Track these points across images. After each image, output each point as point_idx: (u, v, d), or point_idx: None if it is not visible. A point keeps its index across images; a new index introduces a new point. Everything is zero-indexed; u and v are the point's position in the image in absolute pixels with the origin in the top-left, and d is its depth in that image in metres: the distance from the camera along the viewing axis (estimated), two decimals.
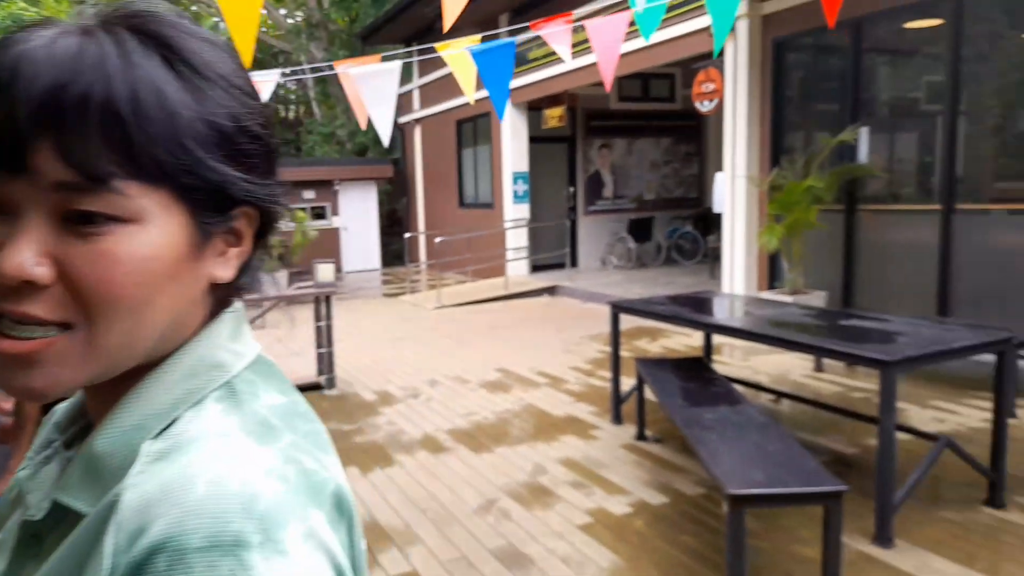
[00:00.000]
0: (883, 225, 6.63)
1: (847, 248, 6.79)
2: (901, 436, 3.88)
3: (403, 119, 16.51)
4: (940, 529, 3.17)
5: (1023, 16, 5.69)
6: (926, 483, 3.59)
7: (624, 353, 6.63)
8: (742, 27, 7.42)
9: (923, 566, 2.88)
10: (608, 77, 2.25)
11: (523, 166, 12.13)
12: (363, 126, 2.37)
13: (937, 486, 3.62)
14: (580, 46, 9.73)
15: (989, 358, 3.39)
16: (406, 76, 17.33)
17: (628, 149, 13.15)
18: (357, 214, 15.95)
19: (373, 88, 2.34)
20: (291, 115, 24.12)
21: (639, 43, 8.51)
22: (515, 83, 11.64)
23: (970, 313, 5.74)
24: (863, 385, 5.40)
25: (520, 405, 5.32)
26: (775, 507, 3.22)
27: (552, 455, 4.27)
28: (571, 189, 12.92)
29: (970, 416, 4.64)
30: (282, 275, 11.51)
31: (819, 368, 5.89)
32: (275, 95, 23.92)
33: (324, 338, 6.00)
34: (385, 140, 2.39)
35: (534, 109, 11.90)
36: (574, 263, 12.82)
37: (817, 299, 6.58)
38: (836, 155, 6.78)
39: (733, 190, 7.66)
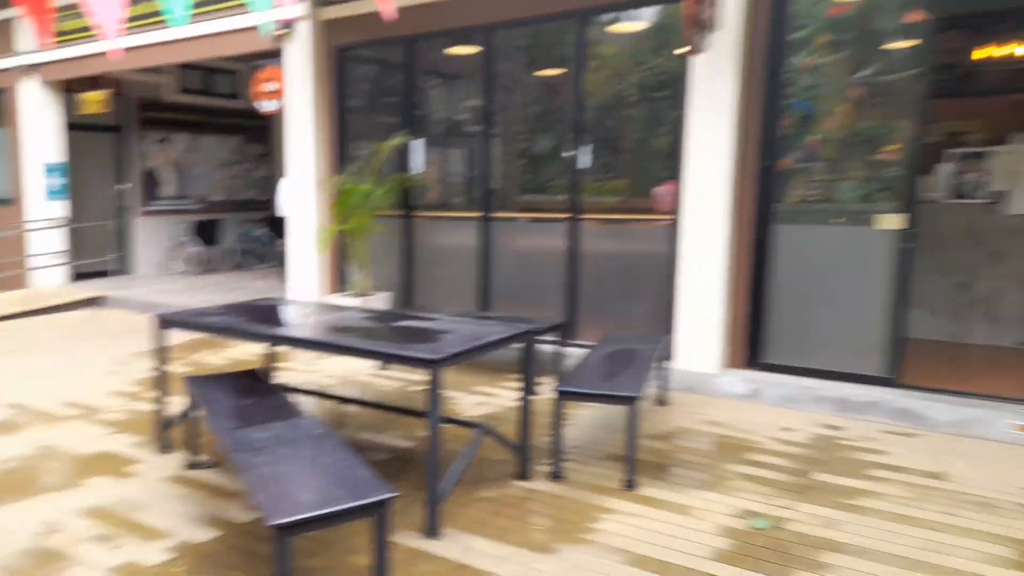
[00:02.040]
0: (436, 230, 7.19)
1: (407, 252, 7.20)
2: (450, 425, 4.19)
3: None
4: (480, 509, 3.46)
5: (536, 56, 6.72)
6: (472, 466, 3.91)
7: (183, 369, 6.00)
8: (304, 29, 7.31)
9: (467, 550, 3.08)
10: (110, 37, 1.86)
11: (57, 156, 10.26)
12: None
13: (480, 467, 3.96)
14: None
15: (519, 345, 3.83)
16: None
17: (192, 145, 12.10)
18: None
19: None
20: None
21: (185, 31, 7.83)
22: (44, 58, 9.77)
23: (506, 306, 6.55)
24: (421, 378, 5.74)
25: (33, 448, 4.34)
26: (324, 528, 3.13)
27: (72, 506, 3.54)
28: (122, 186, 11.37)
29: (507, 397, 5.26)
30: None
31: (383, 366, 6.10)
32: None
33: None
34: None
35: (71, 91, 10.13)
36: (129, 269, 11.33)
37: (382, 301, 6.83)
38: (397, 165, 7.12)
39: (302, 194, 7.53)
